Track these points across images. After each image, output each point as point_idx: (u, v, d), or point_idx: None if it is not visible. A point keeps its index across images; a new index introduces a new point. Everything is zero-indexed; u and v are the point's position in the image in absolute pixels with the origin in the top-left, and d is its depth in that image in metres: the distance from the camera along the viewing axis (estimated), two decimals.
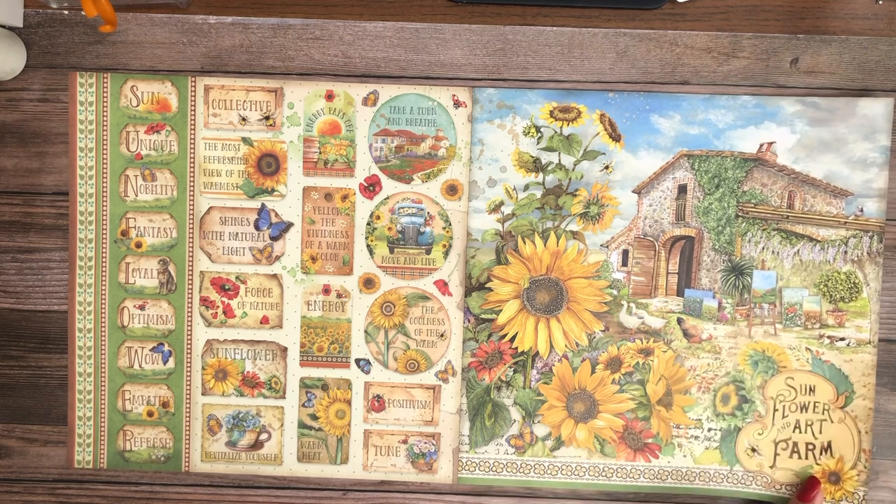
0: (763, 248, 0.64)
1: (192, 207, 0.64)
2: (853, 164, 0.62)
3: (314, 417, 0.65)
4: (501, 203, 0.64)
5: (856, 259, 0.63)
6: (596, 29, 0.62)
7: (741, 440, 0.65)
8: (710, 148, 0.63)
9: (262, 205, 0.64)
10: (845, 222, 0.63)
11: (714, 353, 0.64)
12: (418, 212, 0.64)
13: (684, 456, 0.65)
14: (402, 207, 0.64)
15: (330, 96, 0.63)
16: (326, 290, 0.64)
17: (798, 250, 0.63)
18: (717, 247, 0.64)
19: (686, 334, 0.64)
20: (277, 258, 0.64)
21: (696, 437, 0.65)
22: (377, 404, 0.65)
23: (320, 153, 0.63)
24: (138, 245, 0.64)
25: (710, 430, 0.65)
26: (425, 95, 0.63)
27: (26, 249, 0.64)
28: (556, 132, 0.63)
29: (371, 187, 0.64)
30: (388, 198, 0.64)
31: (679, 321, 0.64)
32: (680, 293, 0.64)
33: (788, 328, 0.64)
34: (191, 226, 0.64)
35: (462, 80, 0.63)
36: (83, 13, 0.62)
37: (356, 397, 0.65)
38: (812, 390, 0.64)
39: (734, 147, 0.63)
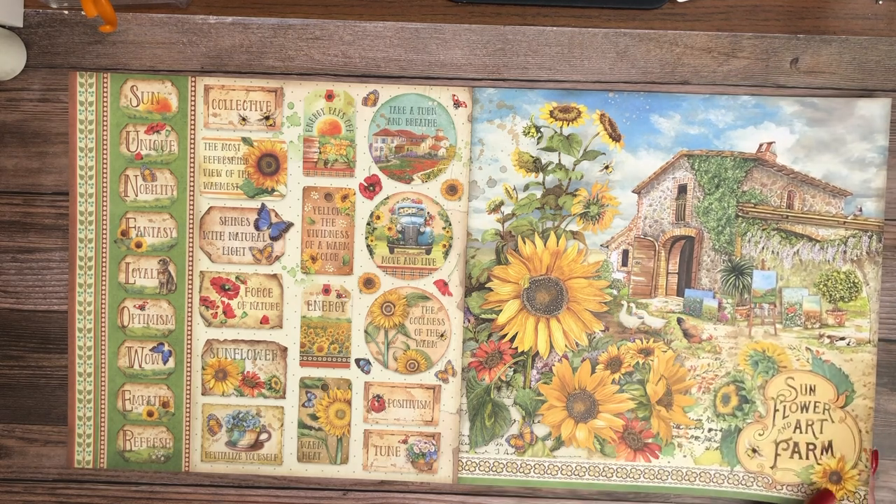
0: (763, 248, 0.64)
1: (192, 207, 0.64)
2: (851, 164, 0.63)
3: (314, 417, 0.65)
4: (501, 203, 0.64)
5: (855, 259, 0.63)
6: (596, 29, 0.63)
7: (742, 441, 0.65)
8: (710, 148, 0.63)
9: (262, 205, 0.64)
10: (844, 222, 0.63)
11: (714, 354, 0.64)
12: (418, 212, 0.64)
13: (684, 456, 0.65)
14: (402, 207, 0.64)
15: (330, 96, 0.63)
16: (326, 290, 0.64)
17: (798, 250, 0.63)
18: (717, 247, 0.64)
19: (686, 334, 0.64)
20: (277, 258, 0.64)
21: (697, 438, 0.65)
22: (377, 404, 0.65)
23: (320, 153, 0.63)
24: (138, 245, 0.64)
25: (710, 430, 0.65)
26: (425, 95, 0.63)
27: (26, 249, 0.64)
28: (556, 132, 0.63)
29: (371, 187, 0.64)
30: (388, 198, 0.64)
31: (679, 321, 0.64)
32: (680, 293, 0.64)
33: (788, 328, 0.64)
34: (191, 226, 0.64)
35: (462, 80, 0.63)
36: (83, 13, 0.62)
37: (356, 397, 0.65)
38: (812, 390, 0.64)
39: (734, 147, 0.63)
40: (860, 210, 0.63)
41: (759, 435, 0.64)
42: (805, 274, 0.64)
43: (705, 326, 0.64)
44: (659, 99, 0.63)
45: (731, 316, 0.64)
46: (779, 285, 0.64)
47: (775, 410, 0.64)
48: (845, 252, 0.63)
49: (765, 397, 0.64)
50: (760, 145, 0.63)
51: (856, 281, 0.63)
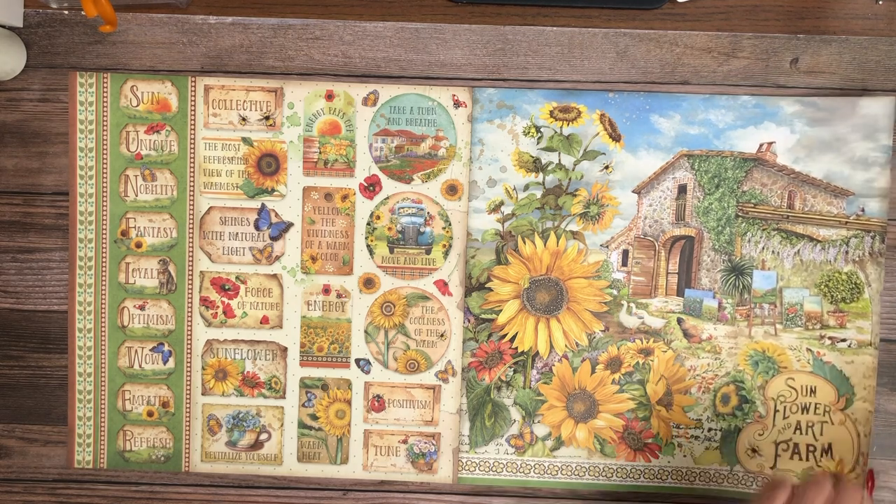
0: (763, 248, 0.63)
1: (192, 207, 0.64)
2: (854, 163, 0.62)
3: (314, 417, 0.65)
4: (501, 203, 0.64)
5: (857, 259, 0.63)
6: (596, 29, 0.62)
7: (742, 441, 0.64)
8: (710, 148, 0.63)
9: (262, 205, 0.64)
10: (846, 222, 0.63)
11: (714, 354, 0.64)
12: (418, 212, 0.64)
13: (684, 456, 0.65)
14: (402, 207, 0.64)
15: (330, 96, 0.63)
16: (326, 290, 0.64)
17: (798, 250, 0.63)
18: (717, 247, 0.64)
19: (686, 334, 0.64)
20: (277, 258, 0.64)
21: (697, 438, 0.64)
22: (377, 404, 0.65)
23: (320, 153, 0.63)
24: (138, 245, 0.64)
25: (710, 430, 0.64)
26: (425, 95, 0.63)
27: (26, 249, 0.64)
28: (556, 132, 0.63)
29: (371, 187, 0.63)
30: (388, 198, 0.64)
31: (679, 321, 0.64)
32: (680, 293, 0.64)
33: (789, 328, 0.64)
34: (191, 226, 0.64)
35: (462, 80, 0.63)
36: (83, 13, 0.62)
37: (356, 397, 0.65)
38: (813, 391, 0.64)
39: (734, 147, 0.63)
40: (862, 210, 0.63)
41: (759, 435, 0.64)
42: (806, 274, 0.64)
43: (705, 326, 0.64)
44: (659, 99, 0.63)
45: (731, 316, 0.64)
46: (779, 285, 0.64)
47: (775, 411, 0.64)
48: (847, 252, 0.63)
49: (765, 398, 0.64)
50: (761, 145, 0.63)
51: (857, 282, 0.63)
